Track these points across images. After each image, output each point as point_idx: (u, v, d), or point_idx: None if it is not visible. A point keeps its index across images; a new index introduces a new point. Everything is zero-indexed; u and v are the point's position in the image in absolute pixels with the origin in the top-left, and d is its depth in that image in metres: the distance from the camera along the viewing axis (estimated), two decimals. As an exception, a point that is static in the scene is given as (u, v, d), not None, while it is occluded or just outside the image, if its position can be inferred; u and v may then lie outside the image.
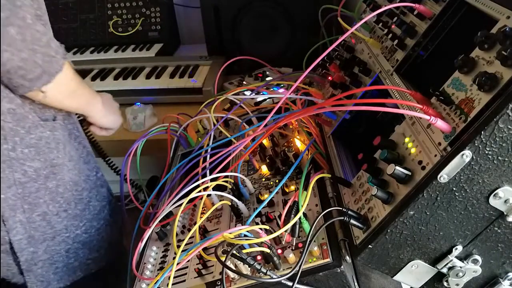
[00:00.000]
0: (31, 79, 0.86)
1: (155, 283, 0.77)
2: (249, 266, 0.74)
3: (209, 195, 0.97)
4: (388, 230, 0.69)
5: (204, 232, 0.93)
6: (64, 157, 1.03)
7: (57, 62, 0.89)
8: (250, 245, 0.78)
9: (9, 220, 0.96)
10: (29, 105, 0.95)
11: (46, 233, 1.03)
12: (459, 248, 0.71)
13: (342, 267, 0.73)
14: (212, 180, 0.97)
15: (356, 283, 0.77)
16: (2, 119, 0.90)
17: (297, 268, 0.72)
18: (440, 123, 0.65)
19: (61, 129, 1.03)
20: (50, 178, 1.01)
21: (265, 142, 1.15)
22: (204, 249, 0.84)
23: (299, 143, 1.08)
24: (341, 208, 0.76)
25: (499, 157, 0.61)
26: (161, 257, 0.93)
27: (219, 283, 0.79)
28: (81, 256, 1.11)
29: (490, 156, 0.61)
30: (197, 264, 0.86)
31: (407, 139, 0.74)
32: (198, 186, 0.93)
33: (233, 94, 1.28)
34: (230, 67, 1.67)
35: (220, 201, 0.98)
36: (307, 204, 0.81)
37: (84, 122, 1.15)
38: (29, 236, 1.00)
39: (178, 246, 0.81)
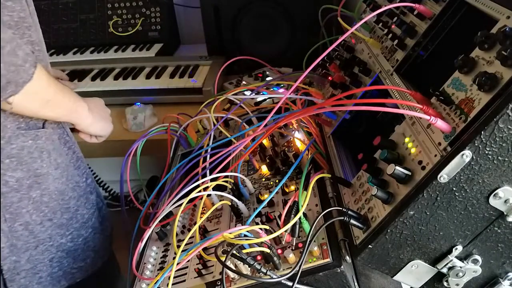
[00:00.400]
0: None
1: (155, 283, 0.77)
2: (249, 266, 0.74)
3: (209, 195, 0.97)
4: (388, 230, 0.69)
5: (204, 232, 0.93)
6: (49, 166, 1.00)
7: (25, 71, 0.82)
8: (250, 245, 0.78)
9: None
10: (11, 114, 0.91)
11: (29, 242, 1.01)
12: (459, 248, 0.71)
13: (342, 267, 0.73)
14: (212, 180, 0.97)
15: (356, 283, 0.77)
16: None
17: (297, 268, 0.72)
18: (440, 123, 0.65)
19: (45, 137, 0.98)
20: (33, 187, 0.98)
21: (265, 142, 1.15)
22: (204, 249, 0.84)
23: (299, 143, 1.08)
24: (341, 208, 0.76)
25: (499, 157, 0.61)
26: (161, 257, 0.93)
27: (219, 283, 0.79)
28: (66, 265, 1.09)
29: (490, 156, 0.61)
30: (197, 264, 0.86)
31: (407, 139, 0.74)
32: (198, 186, 0.93)
33: (233, 94, 1.28)
34: (230, 67, 1.67)
35: (220, 201, 0.98)
36: (307, 204, 0.81)
37: (74, 129, 1.12)
38: (11, 245, 0.99)
39: (178, 246, 0.81)
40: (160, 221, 0.94)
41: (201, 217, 0.89)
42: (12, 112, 0.90)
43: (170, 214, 0.97)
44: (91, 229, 1.14)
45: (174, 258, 0.78)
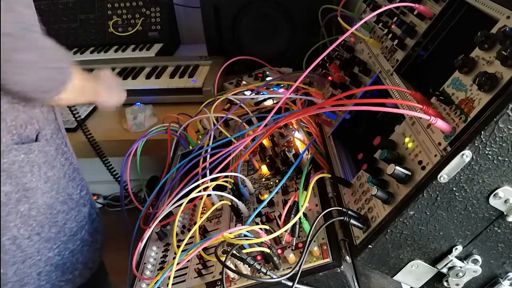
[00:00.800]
0: (49, 91, 0.90)
1: (155, 283, 0.77)
2: (249, 266, 0.74)
3: (209, 195, 0.97)
4: (388, 230, 0.69)
5: (204, 232, 0.93)
6: (38, 180, 1.00)
7: (68, 71, 0.91)
8: (250, 245, 0.78)
9: None
10: (6, 128, 0.92)
11: (16, 257, 1.00)
12: (459, 248, 0.71)
13: (342, 267, 0.73)
14: (212, 180, 0.97)
15: (356, 283, 0.77)
16: None
17: (297, 268, 0.72)
18: (440, 123, 0.65)
19: (38, 150, 0.99)
20: (22, 201, 0.97)
21: (265, 142, 1.15)
22: (204, 249, 0.84)
23: (299, 143, 1.08)
24: (341, 208, 0.76)
25: (499, 157, 0.61)
26: (161, 257, 0.93)
27: (219, 283, 0.79)
28: (54, 278, 1.08)
29: (490, 156, 0.61)
30: (197, 264, 0.86)
31: (407, 139, 0.74)
32: (198, 186, 0.93)
33: (233, 94, 1.28)
34: (230, 67, 1.67)
35: (220, 201, 0.98)
36: (307, 204, 0.81)
37: (83, 125, 1.15)
38: None
39: (178, 246, 0.81)
40: (160, 221, 0.94)
41: (201, 217, 0.89)
42: (17, 123, 0.93)
43: (170, 214, 0.97)
44: (80, 241, 1.13)
45: (174, 258, 0.78)
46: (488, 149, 0.60)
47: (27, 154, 0.96)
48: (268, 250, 0.75)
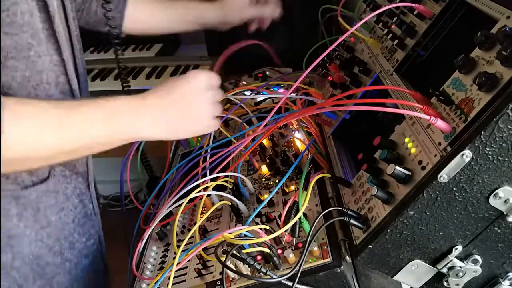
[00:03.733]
0: None
1: (155, 283, 0.78)
2: (249, 266, 0.74)
3: (209, 195, 0.97)
4: (388, 230, 0.69)
5: (204, 232, 0.93)
6: (29, 226, 0.84)
7: None
8: (250, 245, 0.78)
9: None
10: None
11: None
12: (459, 248, 0.71)
13: (342, 267, 0.73)
14: (212, 180, 0.97)
15: (356, 283, 0.77)
16: None
17: (297, 268, 0.72)
18: (440, 123, 0.65)
19: (42, 191, 0.85)
20: (5, 251, 0.83)
21: (265, 142, 1.15)
22: (204, 249, 0.84)
23: (299, 143, 1.08)
24: (341, 208, 0.76)
25: (499, 157, 0.61)
26: (161, 257, 0.93)
27: (219, 283, 0.79)
28: None
29: (490, 156, 0.61)
30: (197, 264, 0.86)
31: (407, 139, 0.74)
32: (198, 186, 0.93)
33: (233, 94, 1.27)
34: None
35: (220, 201, 0.98)
36: (307, 204, 0.81)
37: None
38: None
39: (178, 246, 0.81)
40: (160, 221, 0.94)
41: (201, 217, 0.89)
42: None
43: (170, 214, 0.97)
44: None
45: (174, 258, 0.78)
46: (488, 149, 0.60)
47: (17, 200, 0.82)
48: (268, 250, 0.75)
